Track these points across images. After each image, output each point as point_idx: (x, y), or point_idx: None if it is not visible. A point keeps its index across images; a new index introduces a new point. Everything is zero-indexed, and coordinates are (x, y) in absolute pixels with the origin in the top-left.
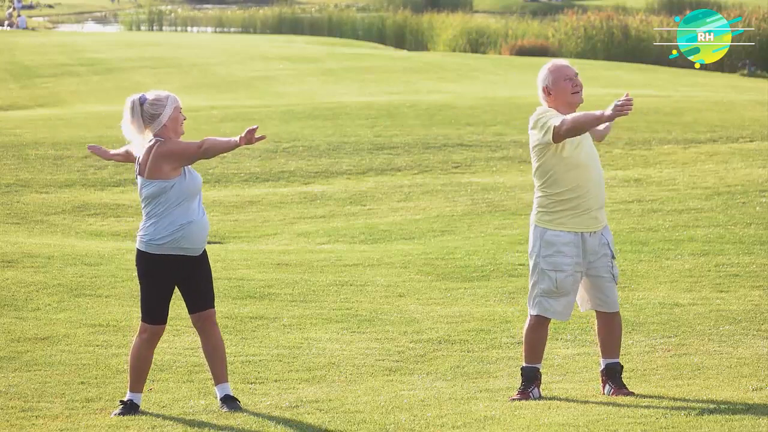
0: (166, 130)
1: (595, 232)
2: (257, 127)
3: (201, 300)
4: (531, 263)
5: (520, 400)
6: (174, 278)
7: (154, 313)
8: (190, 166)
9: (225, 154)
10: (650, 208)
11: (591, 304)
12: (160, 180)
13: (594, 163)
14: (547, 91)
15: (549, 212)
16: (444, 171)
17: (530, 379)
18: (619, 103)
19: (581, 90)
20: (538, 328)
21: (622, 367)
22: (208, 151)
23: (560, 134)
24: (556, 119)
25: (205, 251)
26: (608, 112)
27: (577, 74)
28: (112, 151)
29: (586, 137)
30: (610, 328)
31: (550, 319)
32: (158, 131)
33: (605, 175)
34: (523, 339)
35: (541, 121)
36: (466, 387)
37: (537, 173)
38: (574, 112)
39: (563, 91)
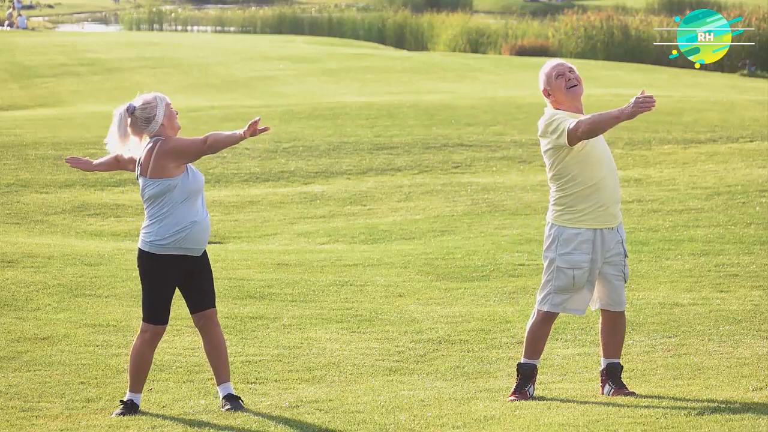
0: (164, 129)
1: (612, 228)
2: (259, 119)
3: (203, 299)
4: (546, 261)
5: (519, 399)
6: (176, 278)
7: (156, 314)
8: (192, 165)
9: (225, 153)
10: (650, 208)
11: (600, 302)
12: (164, 178)
13: (608, 159)
14: (546, 93)
15: (568, 210)
16: (444, 171)
17: (527, 376)
18: (640, 99)
19: (579, 83)
20: (544, 325)
21: (622, 367)
22: (213, 145)
23: (577, 136)
24: (569, 121)
25: (205, 251)
26: (629, 109)
27: (572, 69)
28: (96, 161)
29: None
30: (613, 328)
31: (556, 315)
32: (156, 132)
33: None
34: (527, 334)
35: (552, 125)
36: (466, 387)
37: (553, 175)
38: (580, 105)
39: (558, 88)
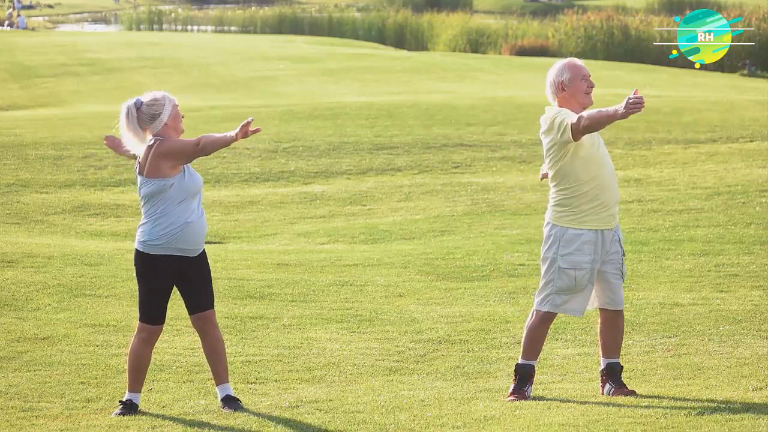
0: (167, 128)
1: (611, 228)
2: (252, 120)
3: (200, 301)
4: (546, 262)
5: (518, 399)
6: (171, 279)
7: (151, 314)
8: (190, 166)
9: (225, 154)
10: (650, 208)
11: (599, 302)
12: (159, 178)
13: (608, 160)
14: (562, 86)
15: (571, 211)
16: (444, 171)
17: (525, 377)
18: (631, 100)
19: (592, 91)
20: (543, 325)
21: (622, 367)
22: (205, 147)
23: (579, 131)
24: (571, 117)
25: (204, 251)
26: (621, 110)
27: (590, 75)
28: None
29: (599, 134)
30: (612, 327)
31: (555, 316)
32: (159, 131)
33: None
34: (525, 335)
35: (556, 121)
36: (466, 387)
37: (556, 174)
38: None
39: (578, 89)
